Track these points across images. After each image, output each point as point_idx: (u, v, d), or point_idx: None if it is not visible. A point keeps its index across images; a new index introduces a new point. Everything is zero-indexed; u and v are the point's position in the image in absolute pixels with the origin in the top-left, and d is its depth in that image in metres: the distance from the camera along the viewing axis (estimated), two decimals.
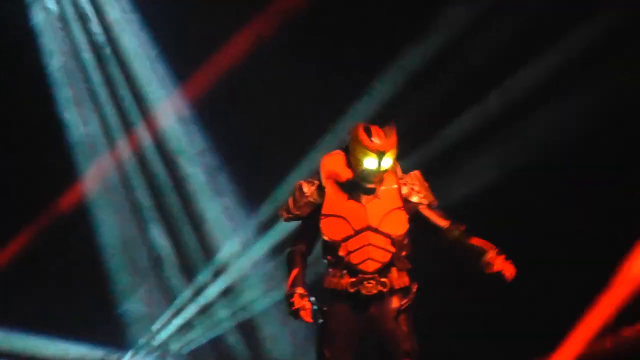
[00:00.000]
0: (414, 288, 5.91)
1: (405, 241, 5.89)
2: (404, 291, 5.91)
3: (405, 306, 5.87)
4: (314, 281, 6.04)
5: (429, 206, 5.98)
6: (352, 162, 5.85)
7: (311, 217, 5.94)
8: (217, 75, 9.59)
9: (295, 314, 5.82)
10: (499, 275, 5.80)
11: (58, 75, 9.97)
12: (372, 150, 5.75)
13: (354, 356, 5.96)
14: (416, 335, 5.92)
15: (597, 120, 8.53)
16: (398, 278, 5.87)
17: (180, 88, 9.86)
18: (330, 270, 5.93)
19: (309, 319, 5.82)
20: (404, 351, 5.86)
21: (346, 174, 5.91)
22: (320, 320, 5.92)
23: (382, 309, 5.87)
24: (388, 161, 5.79)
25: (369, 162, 5.77)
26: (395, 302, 5.87)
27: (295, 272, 5.92)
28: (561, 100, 8.73)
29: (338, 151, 6.01)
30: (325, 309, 5.91)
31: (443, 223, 5.96)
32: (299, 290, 5.84)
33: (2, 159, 9.79)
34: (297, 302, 5.80)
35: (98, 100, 10.05)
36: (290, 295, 5.83)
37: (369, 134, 5.78)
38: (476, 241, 5.89)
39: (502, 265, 5.80)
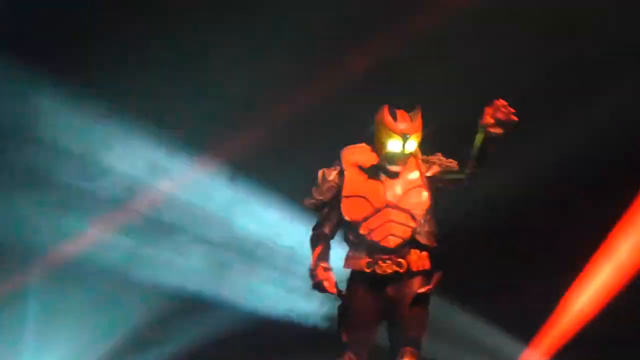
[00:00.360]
0: (437, 277, 5.96)
1: (427, 217, 5.98)
2: (423, 275, 5.98)
3: (423, 293, 5.93)
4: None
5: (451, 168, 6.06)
6: (377, 145, 6.04)
7: (333, 201, 6.09)
8: None
9: (319, 285, 5.93)
10: (499, 122, 5.58)
11: None
12: (396, 133, 5.95)
13: (373, 337, 6.05)
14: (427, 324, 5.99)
15: None
16: (417, 260, 5.95)
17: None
18: (351, 251, 6.06)
19: (332, 289, 5.92)
20: (409, 338, 5.91)
21: (369, 159, 6.08)
22: (340, 303, 6.03)
23: (399, 292, 5.95)
24: (412, 144, 5.99)
25: (393, 145, 5.97)
26: (413, 286, 5.95)
27: (318, 249, 6.06)
28: None
29: (361, 144, 6.20)
30: (343, 292, 6.02)
31: (460, 168, 6.01)
32: (323, 264, 5.98)
33: None
34: (321, 274, 5.93)
35: None
36: (314, 269, 5.98)
37: (394, 116, 5.98)
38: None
39: (490, 111, 5.62)
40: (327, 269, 5.96)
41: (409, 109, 6.07)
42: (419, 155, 6.12)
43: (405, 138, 5.95)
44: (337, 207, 6.07)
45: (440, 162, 6.09)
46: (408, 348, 5.90)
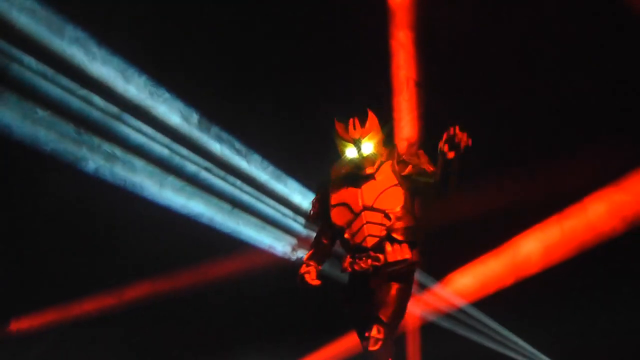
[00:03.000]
0: (411, 260, 6.23)
1: (401, 214, 6.24)
2: (402, 263, 6.24)
3: (395, 274, 6.20)
4: None
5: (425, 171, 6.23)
6: (342, 156, 6.40)
7: (325, 212, 6.47)
8: None
9: (301, 279, 6.34)
10: (452, 144, 5.78)
11: None
12: (347, 140, 6.30)
13: None
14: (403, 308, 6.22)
15: None
16: (393, 252, 6.23)
17: None
18: (344, 255, 6.42)
19: (312, 281, 6.32)
20: (376, 317, 6.16)
21: (346, 169, 6.43)
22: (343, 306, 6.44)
23: (379, 282, 6.25)
24: (367, 146, 6.30)
25: (350, 151, 6.33)
26: (392, 273, 6.23)
27: (309, 252, 6.52)
28: None
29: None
30: (342, 294, 6.44)
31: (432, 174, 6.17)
32: (309, 262, 6.42)
33: None
34: (302, 269, 6.38)
35: None
36: (300, 266, 6.41)
37: (345, 126, 6.32)
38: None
39: (445, 137, 5.82)
40: (309, 265, 6.37)
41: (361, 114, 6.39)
42: (396, 155, 6.38)
43: (357, 143, 6.26)
44: (329, 217, 6.44)
45: (416, 163, 6.27)
46: (375, 325, 6.13)
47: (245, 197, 10.14)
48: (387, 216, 6.23)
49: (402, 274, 6.21)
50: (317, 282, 6.28)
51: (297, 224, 10.14)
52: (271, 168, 10.18)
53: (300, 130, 9.81)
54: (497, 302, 9.32)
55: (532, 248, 9.36)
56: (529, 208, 9.13)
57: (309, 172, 9.41)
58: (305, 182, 10.08)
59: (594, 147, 8.99)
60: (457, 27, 9.35)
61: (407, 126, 9.53)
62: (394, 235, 6.22)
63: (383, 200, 6.27)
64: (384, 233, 6.23)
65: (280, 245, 10.13)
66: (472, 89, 9.43)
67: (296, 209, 10.14)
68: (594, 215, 9.11)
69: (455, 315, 9.59)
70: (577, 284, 9.15)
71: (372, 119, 6.34)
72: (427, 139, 9.35)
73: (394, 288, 6.18)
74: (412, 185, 6.28)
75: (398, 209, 6.24)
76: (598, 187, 9.06)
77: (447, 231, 9.21)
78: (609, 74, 9.06)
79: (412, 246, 6.27)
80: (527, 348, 9.37)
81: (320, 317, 9.17)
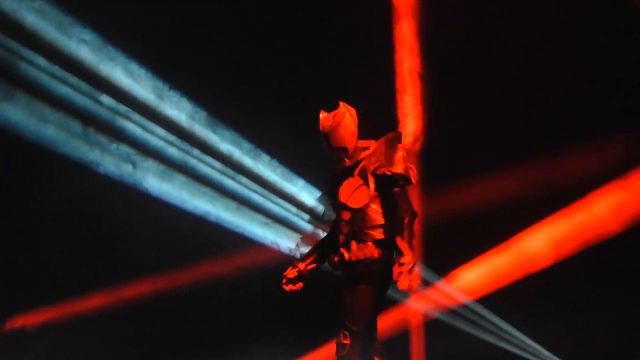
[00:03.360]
0: (374, 259, 6.01)
1: (365, 213, 6.01)
2: (364, 263, 6.01)
3: (360, 275, 5.99)
4: None
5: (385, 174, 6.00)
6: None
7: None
8: None
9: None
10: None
11: None
12: (320, 131, 6.13)
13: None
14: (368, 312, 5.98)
15: None
16: (357, 250, 6.01)
17: None
18: None
19: (285, 286, 6.21)
20: (342, 321, 5.97)
21: (341, 164, 6.24)
22: None
23: (348, 281, 6.07)
24: (337, 139, 6.08)
25: (323, 143, 6.17)
26: (357, 274, 6.02)
27: (307, 251, 6.38)
28: None
29: None
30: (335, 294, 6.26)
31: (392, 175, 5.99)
32: (296, 262, 6.28)
33: None
34: (286, 271, 6.26)
35: None
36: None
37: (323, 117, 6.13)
38: (400, 242, 5.92)
39: (404, 281, 5.74)
40: (295, 267, 6.23)
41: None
42: (373, 151, 6.10)
43: (326, 135, 6.10)
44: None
45: (382, 162, 5.99)
46: (341, 330, 5.92)
47: (252, 195, 10.11)
48: (353, 216, 6.04)
49: (368, 275, 6.00)
50: (290, 288, 6.18)
51: (303, 221, 10.12)
52: (279, 167, 10.16)
53: (307, 130, 9.78)
54: (501, 299, 9.25)
55: (537, 245, 9.29)
56: (532, 205, 9.06)
57: (316, 170, 9.39)
58: (312, 180, 10.05)
59: (596, 145, 8.93)
60: (458, 24, 9.32)
61: (410, 122, 9.52)
62: (360, 235, 6.01)
63: (353, 199, 6.03)
64: (349, 232, 6.04)
65: (285, 243, 10.10)
66: (477, 85, 9.38)
67: (303, 207, 10.11)
68: (598, 213, 9.03)
69: (460, 311, 9.55)
70: (582, 281, 9.07)
71: (342, 112, 6.11)
72: (428, 134, 9.33)
73: (359, 291, 5.97)
74: (381, 184, 6.03)
75: (363, 208, 6.01)
76: (603, 183, 9.00)
77: (450, 228, 9.18)
78: (610, 72, 8.99)
79: (378, 245, 6.04)
80: (531, 345, 9.31)
81: (323, 315, 9.13)
